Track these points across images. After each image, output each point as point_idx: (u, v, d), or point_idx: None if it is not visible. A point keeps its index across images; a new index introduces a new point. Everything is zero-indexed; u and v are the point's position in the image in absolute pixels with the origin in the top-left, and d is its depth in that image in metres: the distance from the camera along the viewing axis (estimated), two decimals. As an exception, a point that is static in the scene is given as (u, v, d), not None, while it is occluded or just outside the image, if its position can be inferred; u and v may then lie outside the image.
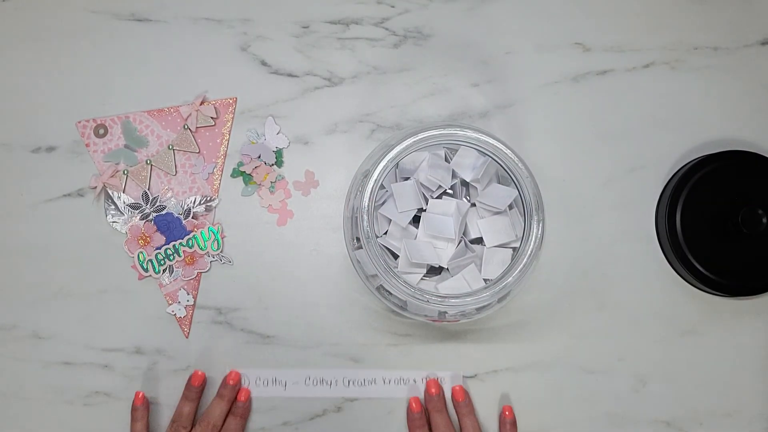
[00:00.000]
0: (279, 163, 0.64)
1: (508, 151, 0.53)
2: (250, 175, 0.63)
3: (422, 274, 0.56)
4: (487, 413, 0.62)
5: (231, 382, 0.61)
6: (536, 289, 0.62)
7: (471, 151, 0.55)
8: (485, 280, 0.55)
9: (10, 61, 0.65)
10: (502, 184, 0.56)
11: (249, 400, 0.61)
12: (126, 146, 0.64)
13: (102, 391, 0.62)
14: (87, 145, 0.64)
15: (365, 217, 0.52)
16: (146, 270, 0.62)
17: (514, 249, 0.55)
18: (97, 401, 0.62)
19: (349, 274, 0.61)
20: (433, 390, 0.61)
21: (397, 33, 0.65)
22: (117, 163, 0.64)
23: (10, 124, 0.64)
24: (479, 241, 0.56)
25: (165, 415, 0.61)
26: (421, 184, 0.56)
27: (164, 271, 0.62)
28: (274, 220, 0.63)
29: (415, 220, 0.56)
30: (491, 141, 0.53)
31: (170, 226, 0.63)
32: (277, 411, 0.62)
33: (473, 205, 0.57)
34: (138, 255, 0.62)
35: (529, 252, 0.52)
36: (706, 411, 0.62)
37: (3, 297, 0.63)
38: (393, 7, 0.65)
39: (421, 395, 0.62)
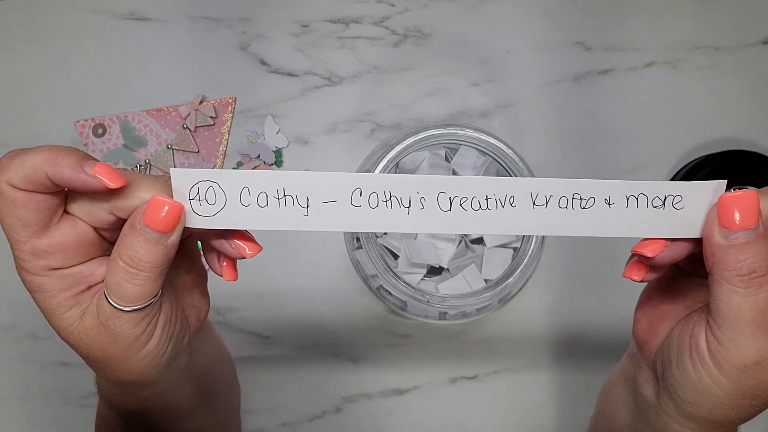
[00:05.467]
0: (278, 162, 0.63)
1: (508, 151, 0.53)
2: (249, 174, 0.63)
3: (422, 275, 0.56)
4: (489, 414, 0.62)
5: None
6: (536, 289, 0.62)
7: (471, 151, 0.55)
8: (486, 280, 0.55)
9: (8, 61, 0.64)
10: (503, 184, 0.56)
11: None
12: (125, 146, 0.63)
13: (100, 392, 0.62)
14: (86, 145, 0.63)
15: (365, 217, 0.52)
16: (145, 270, 0.62)
17: (514, 249, 0.55)
18: (94, 402, 0.61)
19: (349, 274, 0.61)
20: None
21: (397, 32, 0.65)
22: (116, 163, 0.63)
23: (8, 123, 0.64)
24: (480, 241, 0.56)
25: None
26: (422, 183, 0.56)
27: (163, 271, 0.62)
28: (273, 220, 0.63)
29: (415, 220, 0.56)
30: (492, 140, 0.53)
31: (169, 226, 0.62)
32: (276, 412, 0.62)
33: (473, 205, 0.56)
34: (137, 255, 0.62)
35: (530, 253, 0.51)
36: (708, 412, 0.62)
37: (1, 297, 0.62)
38: (393, 6, 0.65)
39: None
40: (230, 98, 0.64)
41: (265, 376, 0.62)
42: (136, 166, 0.63)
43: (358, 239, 0.53)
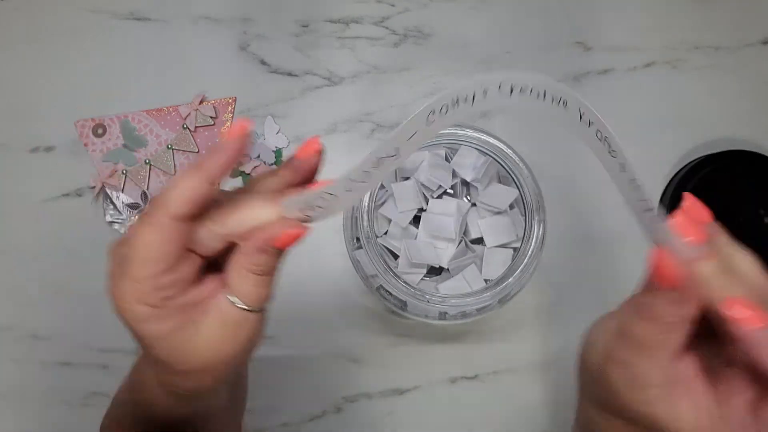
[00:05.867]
0: (278, 162, 0.63)
1: (508, 151, 0.53)
2: (249, 174, 0.63)
3: (422, 275, 0.56)
4: (489, 414, 0.62)
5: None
6: (537, 289, 0.62)
7: (472, 151, 0.55)
8: (486, 280, 0.55)
9: (8, 61, 0.64)
10: (503, 184, 0.56)
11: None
12: (125, 146, 0.63)
13: (100, 392, 0.62)
14: (86, 145, 0.63)
15: (365, 217, 0.52)
16: (145, 270, 0.62)
17: (515, 249, 0.55)
18: (95, 402, 0.62)
19: (349, 274, 0.61)
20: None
21: (397, 32, 0.65)
22: (116, 163, 0.63)
23: (8, 123, 0.64)
24: (480, 241, 0.56)
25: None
26: (422, 184, 0.56)
27: (163, 271, 0.62)
28: (273, 220, 0.63)
29: (415, 220, 0.56)
30: (492, 140, 0.53)
31: (169, 226, 0.62)
32: (276, 412, 0.62)
33: (474, 205, 0.56)
34: (137, 255, 0.62)
35: (530, 252, 0.51)
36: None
37: (1, 297, 0.62)
38: (393, 6, 0.65)
39: None
40: (230, 98, 0.64)
41: (265, 376, 0.62)
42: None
43: (358, 239, 0.54)
